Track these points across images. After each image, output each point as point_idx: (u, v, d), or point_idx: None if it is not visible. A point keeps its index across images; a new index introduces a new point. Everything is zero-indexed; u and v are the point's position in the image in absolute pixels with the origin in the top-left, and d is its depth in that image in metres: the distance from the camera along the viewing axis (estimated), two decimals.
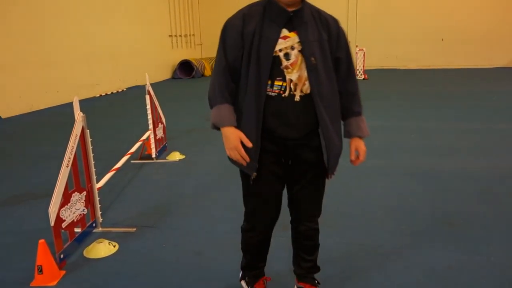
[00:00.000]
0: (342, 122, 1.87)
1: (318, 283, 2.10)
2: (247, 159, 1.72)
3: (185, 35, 15.57)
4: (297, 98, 1.70)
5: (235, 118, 1.75)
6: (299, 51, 1.68)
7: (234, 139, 1.71)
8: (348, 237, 2.81)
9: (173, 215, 3.27)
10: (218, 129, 1.77)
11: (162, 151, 4.90)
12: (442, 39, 14.55)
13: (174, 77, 14.40)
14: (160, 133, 4.85)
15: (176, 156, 4.76)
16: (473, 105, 7.55)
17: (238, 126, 1.74)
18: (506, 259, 2.47)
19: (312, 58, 1.68)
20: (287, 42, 1.68)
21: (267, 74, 1.68)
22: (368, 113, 6.59)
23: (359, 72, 12.12)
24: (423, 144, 5.07)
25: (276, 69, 1.68)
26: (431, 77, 12.10)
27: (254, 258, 2.08)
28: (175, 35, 14.81)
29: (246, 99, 1.71)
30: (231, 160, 1.80)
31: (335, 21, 1.79)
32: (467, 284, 2.24)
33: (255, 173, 1.79)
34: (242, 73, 1.72)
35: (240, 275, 2.17)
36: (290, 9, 1.67)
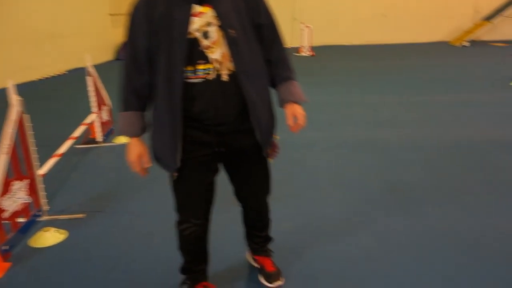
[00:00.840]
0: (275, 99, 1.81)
1: (271, 251, 2.17)
2: (143, 175, 1.72)
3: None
4: (224, 78, 1.56)
5: (141, 126, 1.66)
6: (219, 26, 1.52)
7: (132, 155, 1.68)
8: (297, 209, 2.89)
9: (123, 198, 3.20)
10: None
11: (109, 134, 4.74)
12: (385, 15, 14.98)
13: (118, 58, 13.82)
14: (105, 116, 4.68)
15: (123, 139, 4.63)
16: (415, 78, 7.90)
17: (155, 125, 1.65)
18: (446, 220, 2.67)
19: (231, 31, 1.54)
20: (202, 18, 1.51)
21: (183, 61, 1.50)
22: (315, 89, 6.74)
23: (306, 48, 12.26)
24: (368, 117, 5.27)
25: (196, 53, 1.51)
26: (375, 53, 12.48)
27: (192, 258, 1.94)
28: (116, 14, 14.15)
29: (160, 93, 1.56)
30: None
31: None
32: (412, 245, 2.40)
33: (175, 173, 1.71)
34: (156, 63, 1.56)
35: (180, 281, 2.00)
36: None
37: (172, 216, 2.77)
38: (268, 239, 2.16)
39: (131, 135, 1.67)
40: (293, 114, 1.81)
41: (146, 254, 2.42)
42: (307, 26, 12.10)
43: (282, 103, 1.80)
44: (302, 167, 3.66)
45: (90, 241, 2.59)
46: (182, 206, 1.81)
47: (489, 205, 2.84)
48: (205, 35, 1.52)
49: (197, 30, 1.51)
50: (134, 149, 1.68)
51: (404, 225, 2.62)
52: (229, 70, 1.56)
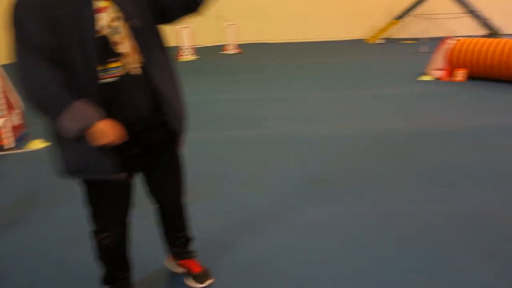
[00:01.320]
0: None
1: (195, 251, 2.11)
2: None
3: None
4: (136, 71, 1.50)
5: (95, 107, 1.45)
6: (123, 18, 1.46)
7: (110, 129, 1.46)
8: (224, 206, 2.89)
9: (39, 208, 2.97)
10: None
11: (22, 139, 4.38)
12: (305, 14, 15.52)
13: None
14: (16, 119, 4.32)
15: (38, 144, 4.30)
16: (335, 75, 8.27)
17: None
18: (367, 208, 2.82)
19: (135, 21, 1.48)
20: (109, 13, 1.43)
21: (94, 61, 1.41)
22: (242, 87, 6.75)
23: (232, 46, 12.31)
24: (291, 112, 5.42)
25: (106, 50, 1.43)
26: (298, 50, 12.88)
27: (115, 267, 1.84)
28: None
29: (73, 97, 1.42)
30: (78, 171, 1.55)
31: None
32: (336, 234, 2.51)
33: (123, 174, 1.59)
34: (64, 65, 1.41)
35: None
36: None
37: (80, 225, 2.61)
38: (189, 239, 2.09)
39: (96, 119, 1.43)
40: None
41: (71, 263, 2.27)
42: (232, 24, 12.14)
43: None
44: (229, 164, 3.67)
45: (4, 257, 2.37)
46: (101, 214, 1.71)
47: (405, 191, 3.06)
48: (115, 31, 1.45)
49: (106, 26, 1.43)
50: (107, 124, 1.45)
51: (328, 215, 2.73)
52: (139, 63, 1.51)
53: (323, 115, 5.24)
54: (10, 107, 4.13)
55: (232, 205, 2.90)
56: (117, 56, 1.47)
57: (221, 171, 3.52)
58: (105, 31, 1.43)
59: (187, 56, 11.23)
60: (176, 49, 11.10)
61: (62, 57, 1.39)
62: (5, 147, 4.11)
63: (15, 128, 4.22)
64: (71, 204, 2.98)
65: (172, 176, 1.86)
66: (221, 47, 13.11)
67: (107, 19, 1.43)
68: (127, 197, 1.74)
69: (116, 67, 1.47)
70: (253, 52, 12.60)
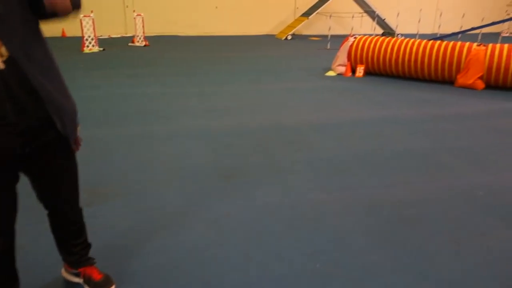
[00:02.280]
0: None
1: (94, 258, 1.99)
2: None
3: None
4: (0, 66, 1.33)
5: None
6: None
7: None
8: (133, 205, 2.78)
9: None
10: None
11: None
12: (216, 7, 15.45)
13: None
14: None
15: None
16: (246, 69, 8.37)
17: None
18: (274, 198, 2.90)
19: None
20: None
21: None
22: (150, 80, 6.51)
23: (140, 38, 11.84)
24: (202, 106, 5.37)
25: None
26: (208, 44, 12.79)
27: (1, 280, 1.66)
28: None
29: None
30: None
31: None
32: (241, 226, 2.53)
33: None
34: None
35: None
36: None
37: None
38: (87, 245, 1.97)
39: None
40: None
41: None
42: (139, 15, 11.66)
43: None
44: (137, 161, 3.52)
45: None
46: None
47: (307, 181, 3.20)
48: None
49: None
50: None
51: (237, 209, 2.76)
52: (4, 55, 1.33)
53: (232, 109, 5.27)
54: None
55: (141, 204, 2.79)
56: None
57: (129, 169, 3.36)
58: None
59: (90, 47, 10.56)
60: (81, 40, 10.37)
61: None
62: None
63: None
64: None
65: (63, 179, 1.71)
66: (130, 39, 12.55)
67: None
68: (13, 203, 1.58)
69: None
70: (162, 45, 12.24)
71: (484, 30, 11.88)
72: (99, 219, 2.57)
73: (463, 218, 2.68)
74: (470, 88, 6.57)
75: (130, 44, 12.03)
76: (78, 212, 1.85)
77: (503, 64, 6.28)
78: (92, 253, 2.00)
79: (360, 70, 7.58)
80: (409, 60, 7.01)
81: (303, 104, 5.61)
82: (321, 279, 2.07)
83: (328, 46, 11.85)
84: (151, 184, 3.11)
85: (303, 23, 14.75)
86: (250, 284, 2.04)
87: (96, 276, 1.93)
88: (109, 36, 13.74)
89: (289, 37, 14.50)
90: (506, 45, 6.41)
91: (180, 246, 2.34)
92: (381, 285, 2.04)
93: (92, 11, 10.22)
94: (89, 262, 1.96)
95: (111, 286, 1.94)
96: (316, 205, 2.83)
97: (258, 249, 2.31)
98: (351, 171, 3.39)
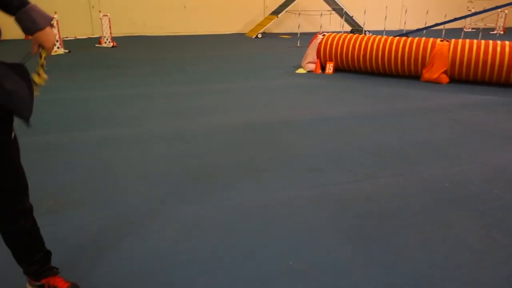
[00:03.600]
0: None
1: (57, 268, 1.91)
2: None
3: None
4: None
5: None
6: None
7: None
8: (101, 212, 2.71)
9: None
10: None
11: None
12: (185, 7, 15.29)
13: None
14: None
15: None
16: (216, 68, 8.31)
17: None
18: (245, 197, 2.88)
19: None
20: None
21: None
22: (117, 82, 6.39)
23: (107, 39, 11.59)
24: (170, 108, 5.30)
25: None
26: (177, 44, 12.66)
27: None
28: None
29: None
30: None
31: None
32: (212, 228, 2.51)
33: None
34: None
35: None
36: None
37: None
38: (47, 254, 1.87)
39: None
40: (39, 42, 1.53)
41: None
42: (105, 15, 11.41)
43: (29, 32, 1.51)
44: (103, 166, 3.44)
45: None
46: None
47: (278, 179, 3.20)
48: None
49: None
50: None
51: (209, 210, 2.73)
52: None
53: (200, 109, 5.22)
54: None
55: (107, 211, 2.72)
56: None
57: (94, 175, 3.28)
58: None
59: (55, 49, 10.25)
60: None
61: None
62: None
63: None
64: None
65: (6, 186, 1.59)
66: (97, 40, 12.27)
67: None
68: None
69: None
70: (130, 45, 12.03)
71: (448, 26, 12.23)
72: (63, 227, 2.49)
73: (430, 210, 2.74)
74: (435, 82, 6.74)
75: (97, 45, 11.76)
76: (31, 221, 1.75)
77: (465, 59, 6.48)
78: (57, 262, 1.93)
79: (329, 67, 7.66)
80: (377, 56, 7.14)
81: (275, 102, 5.62)
82: (295, 277, 2.07)
83: (298, 44, 11.93)
84: (117, 189, 3.04)
85: (272, 21, 14.80)
86: (221, 286, 2.02)
87: (62, 285, 1.86)
88: (75, 37, 13.39)
89: (260, 36, 14.52)
90: (468, 40, 6.62)
91: (149, 252, 2.29)
92: (353, 280, 2.06)
93: (56, 12, 9.92)
94: (53, 271, 1.89)
95: None
96: (289, 203, 2.83)
97: (230, 250, 2.30)
98: (322, 168, 3.42)
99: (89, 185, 3.09)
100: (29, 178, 1.70)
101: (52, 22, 1.55)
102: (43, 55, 1.58)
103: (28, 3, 1.49)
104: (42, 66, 1.59)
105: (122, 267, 2.15)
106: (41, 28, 1.50)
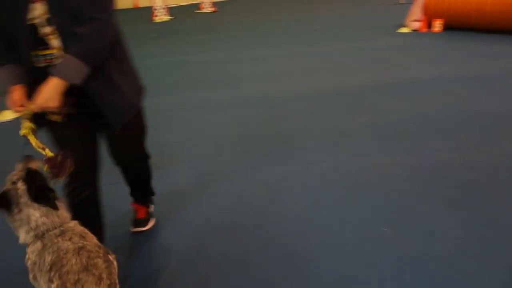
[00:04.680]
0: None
1: (151, 203, 2.29)
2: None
3: None
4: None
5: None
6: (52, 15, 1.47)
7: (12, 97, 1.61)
8: (196, 169, 2.90)
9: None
10: None
11: None
12: None
13: None
14: None
15: (8, 115, 4.20)
16: (312, 30, 8.12)
17: None
18: (334, 164, 2.85)
19: (58, 19, 1.47)
20: (43, 5, 1.46)
21: (26, 46, 1.51)
22: (217, 47, 6.56)
23: (207, 4, 11.93)
24: (262, 71, 5.35)
25: (36, 38, 1.49)
26: (275, 5, 12.54)
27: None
28: None
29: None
30: None
31: None
32: (300, 188, 2.54)
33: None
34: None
35: None
36: None
37: None
38: (148, 193, 2.26)
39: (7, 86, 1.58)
40: (40, 90, 1.51)
41: None
42: None
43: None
44: (199, 127, 3.64)
45: None
46: None
47: (373, 145, 3.09)
48: (46, 22, 1.47)
49: (38, 17, 1.47)
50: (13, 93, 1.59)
51: (296, 172, 2.76)
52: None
53: (295, 73, 5.18)
54: None
55: (200, 168, 2.90)
56: (47, 45, 1.51)
57: (187, 135, 3.50)
58: (36, 21, 1.47)
59: (161, 16, 10.87)
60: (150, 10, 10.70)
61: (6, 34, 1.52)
62: None
63: None
64: None
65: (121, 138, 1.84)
66: (197, 6, 12.71)
67: (40, 10, 1.46)
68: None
69: (44, 55, 1.52)
70: (228, 9, 12.24)
71: None
72: (168, 180, 2.73)
73: None
74: None
75: (197, 11, 12.18)
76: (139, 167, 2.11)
77: None
78: (162, 210, 2.15)
79: (438, 25, 7.00)
80: (492, 10, 6.30)
81: (367, 64, 5.35)
82: (386, 243, 2.02)
83: (402, 0, 11.04)
84: (207, 149, 3.21)
85: None
86: (310, 243, 2.05)
87: (139, 214, 2.22)
88: (177, 4, 14.01)
89: None
90: None
91: (241, 206, 2.41)
92: (449, 251, 1.95)
93: None
94: (143, 202, 2.24)
95: (143, 226, 2.21)
96: (380, 169, 2.74)
97: (320, 212, 2.31)
98: (417, 134, 3.21)
99: (187, 144, 3.31)
100: None
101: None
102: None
103: (75, 54, 1.49)
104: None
105: (215, 218, 2.31)
106: (60, 77, 1.50)
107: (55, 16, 1.47)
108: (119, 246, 2.11)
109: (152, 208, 2.32)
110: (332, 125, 3.51)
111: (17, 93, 1.58)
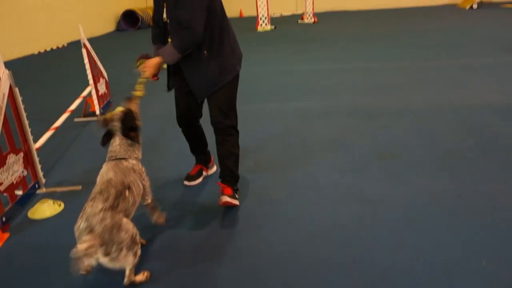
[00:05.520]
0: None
1: (237, 189, 2.60)
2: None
3: None
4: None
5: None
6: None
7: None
8: (290, 175, 2.92)
9: None
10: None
11: (107, 107, 4.76)
12: None
13: (118, 28, 13.68)
14: (102, 88, 4.68)
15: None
16: (417, 43, 7.72)
17: None
18: (433, 185, 2.67)
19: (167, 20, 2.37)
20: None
21: (161, 37, 2.46)
22: (316, 57, 6.58)
23: (309, 15, 12.01)
24: (365, 83, 5.20)
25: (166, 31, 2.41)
26: (380, 18, 12.18)
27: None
28: None
29: None
30: None
31: None
32: (398, 209, 2.42)
33: None
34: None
35: None
36: None
37: (174, 185, 2.80)
38: (232, 175, 2.57)
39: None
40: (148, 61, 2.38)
41: (144, 223, 2.47)
42: None
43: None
44: (295, 135, 3.66)
45: None
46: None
47: (482, 170, 2.83)
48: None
49: (165, 18, 2.37)
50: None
51: (394, 191, 2.63)
52: None
53: (397, 87, 4.96)
54: (96, 77, 4.48)
55: (295, 177, 2.92)
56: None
57: (287, 142, 3.53)
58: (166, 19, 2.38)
59: (264, 26, 11.19)
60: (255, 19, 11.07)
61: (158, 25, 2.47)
62: (95, 114, 4.49)
63: (101, 97, 4.58)
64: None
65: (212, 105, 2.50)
66: (299, 16, 12.86)
67: (165, 14, 2.36)
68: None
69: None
70: (330, 21, 12.18)
71: None
72: (258, 183, 2.80)
73: None
74: None
75: (299, 21, 12.32)
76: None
77: None
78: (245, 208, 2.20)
79: None
80: None
81: (484, 82, 4.93)
82: (486, 279, 1.84)
83: None
84: (306, 157, 3.21)
85: None
86: (401, 265, 1.95)
87: (226, 191, 2.50)
88: (280, 14, 14.32)
89: (475, 6, 12.74)
90: None
91: (330, 219, 2.37)
92: None
93: None
94: (228, 183, 2.55)
95: (229, 203, 2.47)
96: (488, 196, 2.50)
97: (413, 237, 2.17)
98: None
99: (283, 150, 3.35)
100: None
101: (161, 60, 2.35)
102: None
103: (171, 44, 2.31)
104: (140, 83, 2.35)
105: (304, 228, 2.30)
106: (159, 55, 2.35)
107: (169, 19, 2.33)
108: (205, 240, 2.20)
109: (237, 194, 2.58)
110: (434, 145, 3.30)
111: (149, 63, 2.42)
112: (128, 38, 11.71)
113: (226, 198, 2.46)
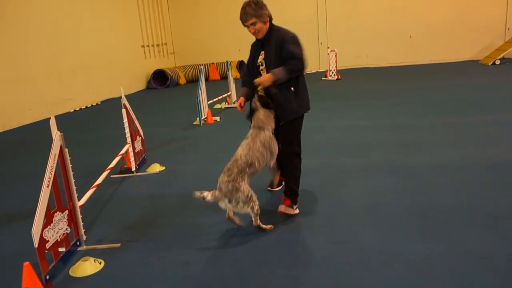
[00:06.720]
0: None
1: (294, 203, 3.22)
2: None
3: (157, 45, 15.48)
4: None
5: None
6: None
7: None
8: (330, 236, 2.88)
9: (156, 227, 3.28)
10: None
11: (142, 163, 4.89)
12: (410, 36, 14.92)
13: (148, 87, 14.29)
14: (138, 145, 4.84)
15: (156, 168, 4.76)
16: (444, 99, 7.77)
17: None
18: (482, 247, 2.59)
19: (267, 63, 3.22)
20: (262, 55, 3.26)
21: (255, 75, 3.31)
22: (343, 113, 6.68)
23: (332, 72, 12.32)
24: (396, 140, 5.22)
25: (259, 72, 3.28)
26: (402, 74, 12.39)
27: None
28: (147, 45, 14.72)
29: None
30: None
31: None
32: (444, 273, 2.35)
33: None
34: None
35: None
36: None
37: (209, 245, 2.82)
38: (290, 191, 3.24)
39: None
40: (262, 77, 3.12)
41: (183, 284, 2.47)
42: (332, 50, 12.19)
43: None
44: (330, 193, 3.65)
45: (126, 270, 2.66)
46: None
47: None
48: (261, 63, 3.28)
49: (260, 60, 3.26)
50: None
51: (437, 252, 2.57)
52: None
53: (429, 144, 4.95)
54: (133, 135, 4.66)
55: (335, 237, 2.89)
56: (260, 74, 3.25)
57: (325, 201, 3.52)
58: (258, 62, 3.28)
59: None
60: None
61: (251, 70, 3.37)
62: (131, 170, 4.62)
63: (137, 154, 4.73)
64: (181, 226, 3.24)
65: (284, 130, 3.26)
66: (323, 74, 13.20)
67: (261, 57, 3.24)
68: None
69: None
70: (353, 77, 12.45)
71: None
72: (300, 237, 2.77)
73: None
74: None
75: (323, 78, 12.63)
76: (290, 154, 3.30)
77: None
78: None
79: None
80: None
81: None
82: None
83: None
84: (345, 217, 3.18)
85: None
86: None
87: (285, 202, 3.20)
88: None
89: (498, 62, 12.85)
90: None
91: (377, 284, 2.31)
92: None
93: None
94: (288, 196, 3.22)
95: (284, 212, 3.19)
96: None
97: None
98: None
99: (319, 210, 3.34)
100: None
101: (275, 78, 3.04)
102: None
103: (285, 67, 3.06)
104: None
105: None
106: (273, 74, 3.04)
107: (267, 60, 3.18)
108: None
109: (296, 208, 3.22)
110: (476, 203, 3.23)
111: (241, 99, 3.30)
112: (157, 96, 12.19)
113: (283, 208, 3.17)
